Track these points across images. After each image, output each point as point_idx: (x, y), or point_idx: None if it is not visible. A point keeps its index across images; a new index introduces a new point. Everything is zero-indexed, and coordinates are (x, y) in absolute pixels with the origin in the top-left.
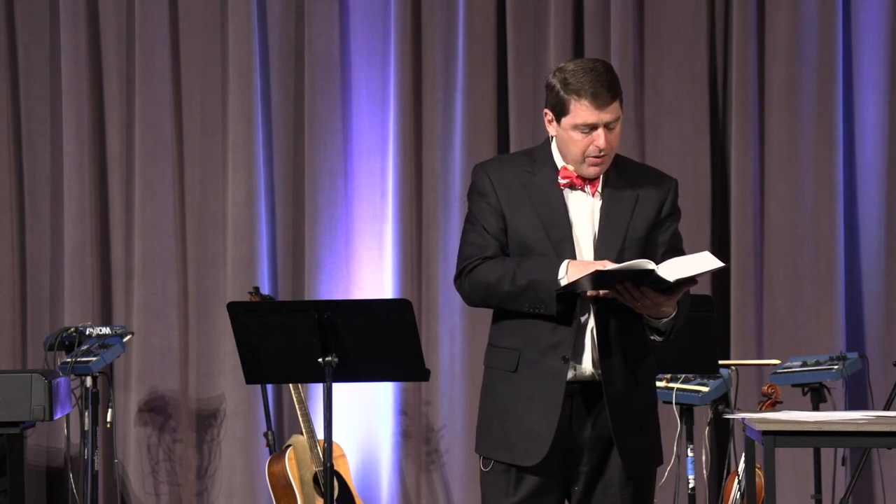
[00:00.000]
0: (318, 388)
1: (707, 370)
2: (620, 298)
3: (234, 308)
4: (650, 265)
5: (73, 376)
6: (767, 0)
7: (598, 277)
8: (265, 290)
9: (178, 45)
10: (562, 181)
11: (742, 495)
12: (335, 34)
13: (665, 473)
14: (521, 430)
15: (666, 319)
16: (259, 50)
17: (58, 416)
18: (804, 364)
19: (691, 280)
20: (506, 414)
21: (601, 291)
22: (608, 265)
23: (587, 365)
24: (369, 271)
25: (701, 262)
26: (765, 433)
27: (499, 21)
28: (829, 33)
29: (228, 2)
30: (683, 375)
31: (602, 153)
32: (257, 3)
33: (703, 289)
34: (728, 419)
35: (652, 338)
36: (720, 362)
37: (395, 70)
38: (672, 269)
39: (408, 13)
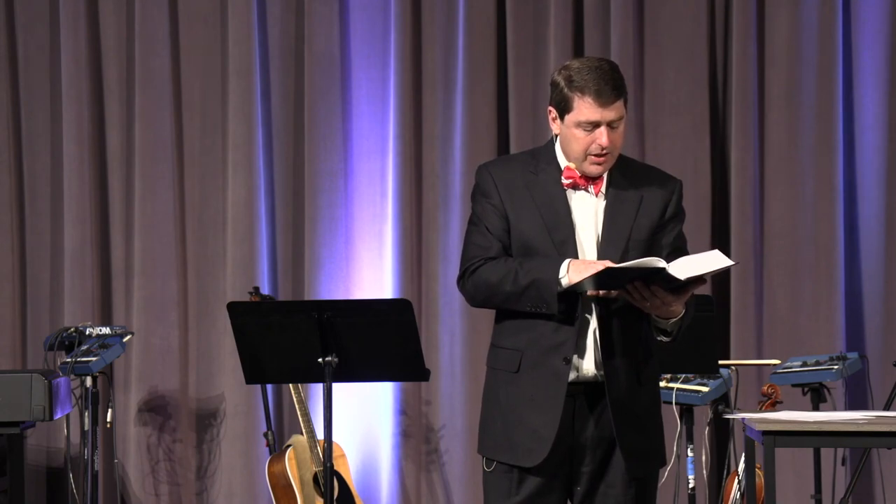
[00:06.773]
0: (318, 388)
1: (707, 370)
2: (629, 298)
3: (234, 308)
4: (661, 263)
5: (73, 376)
6: (767, 0)
7: (605, 276)
8: (265, 290)
9: (178, 45)
10: (565, 181)
11: (742, 495)
12: (335, 34)
13: (665, 473)
14: (523, 430)
15: (674, 319)
16: (259, 50)
17: (58, 416)
18: (804, 364)
19: (701, 279)
20: (508, 415)
21: (605, 291)
22: (610, 265)
23: (590, 366)
24: (369, 271)
25: (711, 261)
26: (765, 433)
27: (499, 21)
28: (829, 33)
29: (228, 2)
30: (683, 375)
31: (604, 151)
32: (257, 3)
33: (703, 289)
34: (728, 419)
35: (659, 338)
36: (720, 362)
37: (395, 70)
38: (682, 268)
39: (408, 13)
